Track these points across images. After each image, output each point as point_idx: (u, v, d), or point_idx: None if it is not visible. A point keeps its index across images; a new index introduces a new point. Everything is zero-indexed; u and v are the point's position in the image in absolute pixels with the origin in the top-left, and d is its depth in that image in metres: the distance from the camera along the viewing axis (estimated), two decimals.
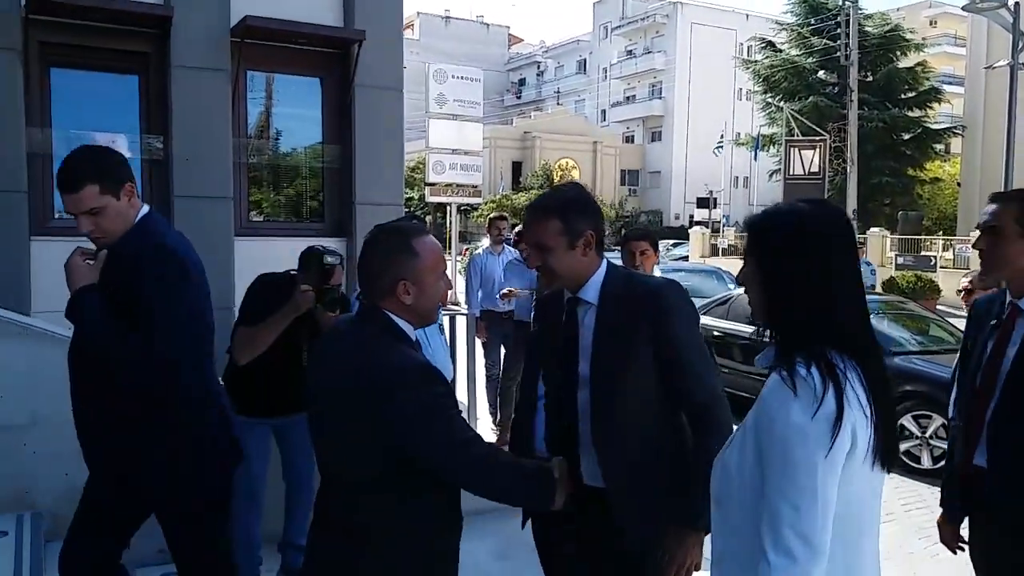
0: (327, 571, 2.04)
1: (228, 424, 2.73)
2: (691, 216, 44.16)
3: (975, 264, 22.14)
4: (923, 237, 25.78)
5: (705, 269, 15.34)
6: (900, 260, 23.29)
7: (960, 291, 4.49)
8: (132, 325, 2.41)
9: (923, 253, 24.00)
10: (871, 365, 1.56)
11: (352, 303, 3.51)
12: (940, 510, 2.74)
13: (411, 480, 1.94)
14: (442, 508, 2.05)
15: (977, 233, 2.54)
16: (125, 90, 5.44)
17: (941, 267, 22.59)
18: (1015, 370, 2.41)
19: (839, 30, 26.94)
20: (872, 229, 25.15)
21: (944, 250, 24.27)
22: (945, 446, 6.01)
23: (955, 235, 26.03)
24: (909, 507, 5.61)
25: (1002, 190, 2.56)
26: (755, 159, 30.13)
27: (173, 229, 2.71)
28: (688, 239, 32.01)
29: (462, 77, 13.14)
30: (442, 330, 4.42)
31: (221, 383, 2.84)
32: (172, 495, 2.56)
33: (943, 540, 2.75)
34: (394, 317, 2.03)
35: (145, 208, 2.60)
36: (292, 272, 3.48)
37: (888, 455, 1.56)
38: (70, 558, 2.64)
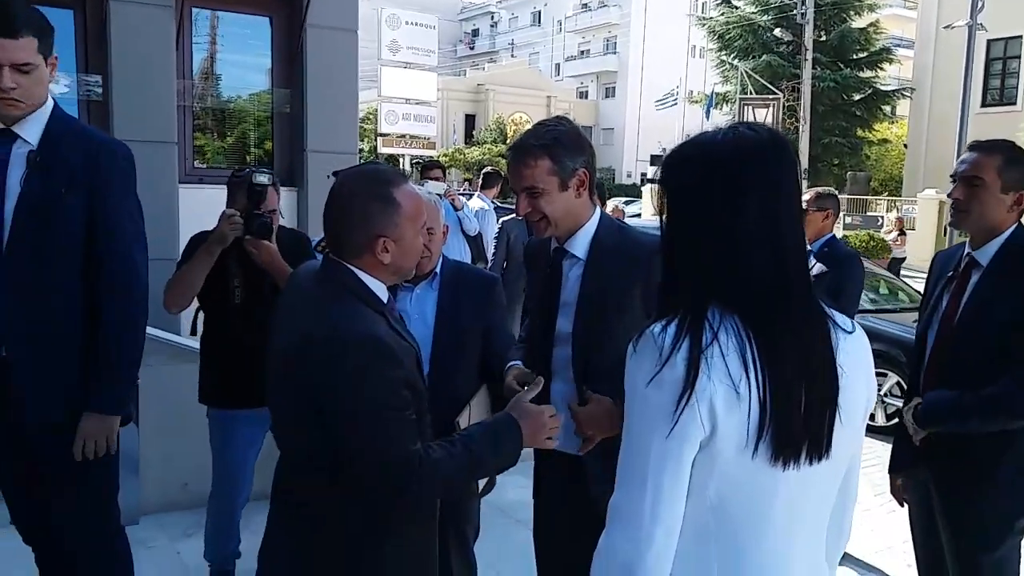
0: (280, 549, 1.84)
1: None
2: (643, 174, 44.25)
3: (920, 224, 22.72)
4: (871, 198, 26.25)
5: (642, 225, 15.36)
6: (848, 220, 23.67)
7: None
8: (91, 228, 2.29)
9: (870, 213, 24.46)
10: (778, 334, 1.24)
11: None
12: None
13: None
14: None
15: (953, 182, 2.46)
16: (58, 26, 5.06)
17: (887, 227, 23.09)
18: (963, 322, 2.38)
19: None
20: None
21: (888, 210, 24.76)
22: (899, 404, 6.15)
23: (901, 196, 26.58)
24: (865, 464, 5.69)
25: (982, 140, 2.47)
26: (707, 118, 30.09)
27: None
28: (640, 197, 32.07)
29: (416, 23, 12.75)
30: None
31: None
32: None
33: (892, 492, 2.75)
34: (362, 275, 1.77)
35: (51, 100, 2.35)
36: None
37: (783, 447, 1.23)
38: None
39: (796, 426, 1.24)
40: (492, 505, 3.61)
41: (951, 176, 2.49)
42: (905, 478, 2.68)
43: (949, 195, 2.47)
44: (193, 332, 3.42)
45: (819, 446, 1.26)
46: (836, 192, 4.52)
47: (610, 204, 6.36)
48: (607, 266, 2.07)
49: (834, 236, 4.24)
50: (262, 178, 2.93)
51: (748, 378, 1.21)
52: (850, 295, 4.07)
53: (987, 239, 2.40)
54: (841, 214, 23.78)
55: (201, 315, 3.20)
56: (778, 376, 1.22)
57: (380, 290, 1.80)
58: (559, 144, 2.04)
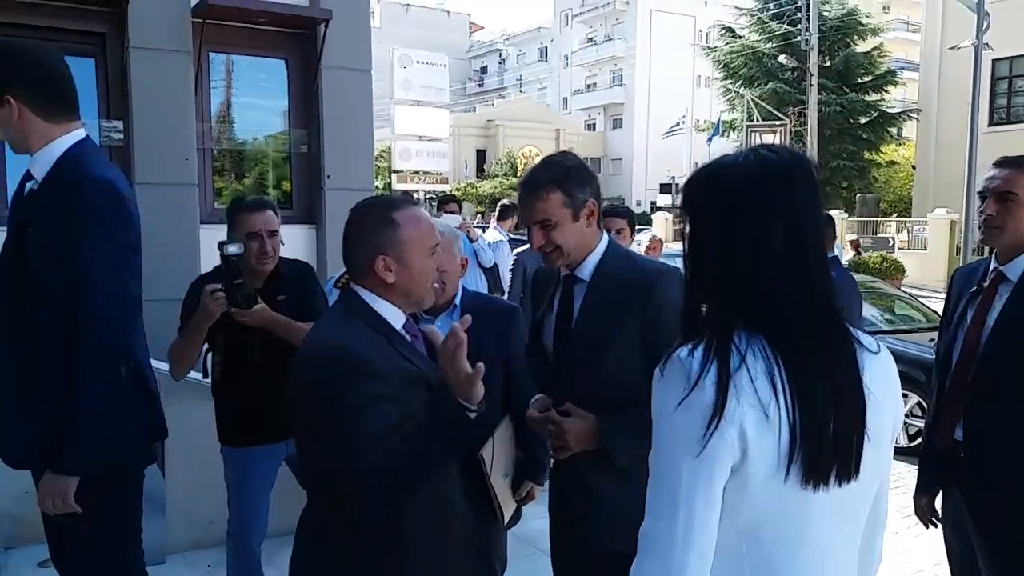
0: (300, 572, 1.87)
1: (146, 389, 2.35)
2: (652, 202, 44.35)
3: (931, 244, 22.62)
4: (880, 219, 26.18)
5: (672, 253, 15.48)
6: (860, 242, 23.60)
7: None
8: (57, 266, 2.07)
9: (880, 235, 24.39)
10: (806, 356, 1.23)
11: (330, 291, 3.34)
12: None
13: None
14: (418, 507, 1.79)
15: (983, 198, 2.44)
16: (81, 74, 5.18)
17: (898, 248, 23.00)
18: (994, 337, 2.35)
19: (799, 14, 27.13)
20: (832, 212, 25.47)
21: (899, 231, 24.68)
22: (920, 424, 6.10)
23: (911, 216, 26.50)
24: (890, 486, 5.63)
25: (1008, 156, 2.47)
26: (708, 144, 30.17)
27: (105, 158, 2.40)
28: (649, 225, 32.18)
29: (427, 63, 12.95)
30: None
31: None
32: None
33: (917, 513, 2.70)
34: (369, 296, 1.80)
35: (80, 133, 2.22)
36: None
37: (813, 470, 1.21)
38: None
39: (826, 448, 1.22)
40: (518, 537, 3.60)
41: (979, 193, 2.47)
42: (932, 499, 2.64)
43: (980, 211, 2.45)
44: (205, 375, 3.46)
45: (848, 468, 1.26)
46: (830, 214, 4.57)
47: (646, 234, 6.52)
48: (607, 290, 2.12)
49: (834, 257, 4.28)
50: (232, 248, 2.79)
51: (777, 401, 1.20)
52: (850, 311, 4.14)
53: (1016, 254, 2.39)
54: (855, 236, 23.92)
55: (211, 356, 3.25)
56: (807, 398, 1.21)
57: (389, 312, 1.82)
58: (569, 177, 2.10)
